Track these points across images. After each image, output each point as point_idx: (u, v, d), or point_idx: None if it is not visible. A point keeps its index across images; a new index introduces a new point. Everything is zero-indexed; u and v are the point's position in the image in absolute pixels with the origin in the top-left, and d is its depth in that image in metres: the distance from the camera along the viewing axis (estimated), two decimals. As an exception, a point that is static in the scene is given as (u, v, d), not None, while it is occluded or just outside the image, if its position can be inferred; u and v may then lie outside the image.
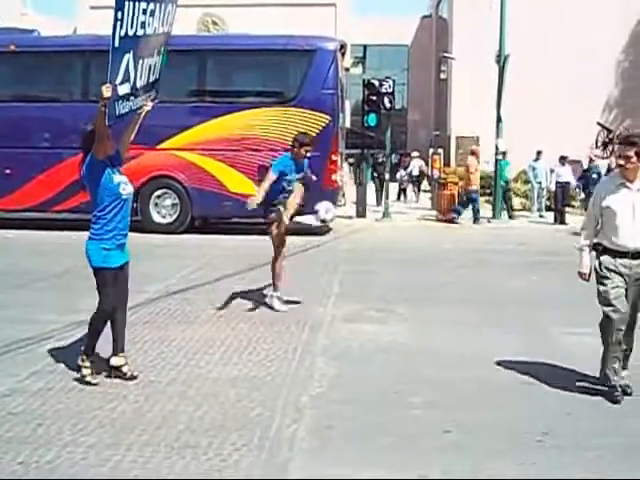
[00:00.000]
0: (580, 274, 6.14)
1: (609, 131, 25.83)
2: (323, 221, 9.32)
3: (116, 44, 5.59)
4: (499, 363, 6.82)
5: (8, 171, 15.58)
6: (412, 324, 8.19)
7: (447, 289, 10.31)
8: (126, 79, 5.89)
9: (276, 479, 4.40)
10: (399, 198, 25.71)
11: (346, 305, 9.12)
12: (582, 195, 20.97)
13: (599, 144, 25.65)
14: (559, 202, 19.90)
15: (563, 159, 20.34)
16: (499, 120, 19.40)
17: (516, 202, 22.01)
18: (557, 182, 20.17)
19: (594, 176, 19.08)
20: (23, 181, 15.63)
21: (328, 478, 4.29)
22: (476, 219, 18.94)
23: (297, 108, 15.54)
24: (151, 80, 6.49)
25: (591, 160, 20.91)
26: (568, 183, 20.35)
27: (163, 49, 6.65)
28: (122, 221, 5.97)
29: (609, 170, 15.12)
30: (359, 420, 5.44)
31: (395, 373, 6.52)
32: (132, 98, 6.10)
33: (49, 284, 9.69)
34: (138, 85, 6.17)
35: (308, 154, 8.78)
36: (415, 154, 26.98)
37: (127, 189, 5.99)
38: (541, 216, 20.80)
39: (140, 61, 6.10)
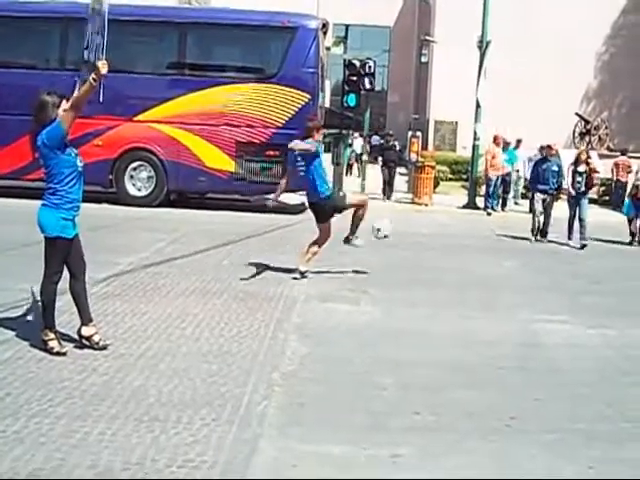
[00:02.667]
0: None
1: (587, 122, 26.03)
2: (385, 236, 10.03)
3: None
4: (471, 346, 6.88)
5: (-19, 138, 15.34)
6: (385, 305, 8.22)
7: (422, 271, 10.36)
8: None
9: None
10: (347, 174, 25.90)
11: (320, 284, 9.13)
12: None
13: (577, 134, 25.87)
14: None
15: (543, 149, 20.24)
16: (478, 105, 19.43)
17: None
18: None
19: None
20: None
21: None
22: (486, 206, 19.10)
23: (277, 85, 15.46)
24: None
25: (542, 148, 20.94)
26: None
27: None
28: (79, 193, 5.95)
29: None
30: (329, 398, 5.46)
31: (367, 353, 6.55)
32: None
33: (20, 253, 9.58)
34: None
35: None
36: (357, 134, 28.07)
37: (80, 161, 5.96)
38: (516, 203, 20.90)
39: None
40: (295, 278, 9.18)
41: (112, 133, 15.30)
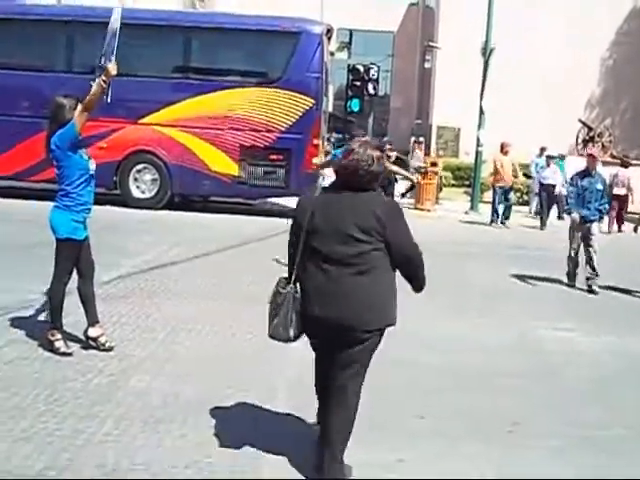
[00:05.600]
0: None
1: (590, 129, 26.04)
2: None
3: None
4: (474, 352, 6.92)
5: (-12, 138, 15.40)
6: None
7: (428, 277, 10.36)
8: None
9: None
10: None
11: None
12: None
13: (580, 141, 25.88)
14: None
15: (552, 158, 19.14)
16: (481, 112, 19.46)
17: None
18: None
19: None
20: (2, 149, 15.45)
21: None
22: (494, 219, 17.79)
23: (281, 89, 15.50)
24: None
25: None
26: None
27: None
28: (90, 196, 6.03)
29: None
30: (333, 402, 5.48)
31: (372, 358, 6.56)
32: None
33: (29, 253, 9.63)
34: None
35: None
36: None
37: (93, 164, 6.03)
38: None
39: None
40: None
41: (117, 135, 15.34)
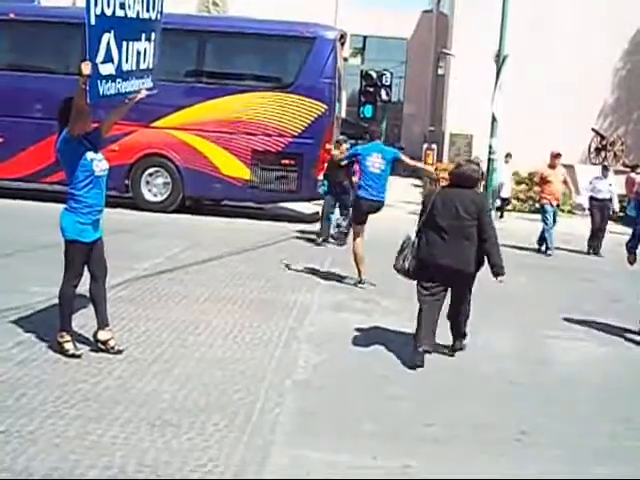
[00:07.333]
0: None
1: (602, 137, 25.95)
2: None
3: (92, 22, 5.62)
4: (484, 360, 6.89)
5: (1, 140, 15.47)
6: (398, 316, 8.21)
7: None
8: (108, 59, 5.90)
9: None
10: None
11: (333, 294, 9.15)
12: None
13: (592, 150, 25.80)
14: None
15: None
16: (494, 120, 19.41)
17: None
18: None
19: None
20: (16, 150, 15.50)
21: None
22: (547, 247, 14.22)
23: (294, 95, 15.49)
24: (142, 67, 6.52)
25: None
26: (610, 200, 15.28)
27: (154, 37, 6.68)
28: (98, 198, 6.00)
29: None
30: (341, 407, 5.49)
31: (379, 363, 6.57)
32: (119, 81, 6.12)
33: (37, 255, 9.66)
34: (125, 68, 6.20)
35: None
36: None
37: (101, 166, 5.99)
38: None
39: (124, 43, 6.14)
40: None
41: (129, 139, 15.35)
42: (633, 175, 19.31)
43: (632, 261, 8.41)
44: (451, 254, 6.46)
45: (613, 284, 11.44)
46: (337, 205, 13.10)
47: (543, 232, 14.27)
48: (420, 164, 10.24)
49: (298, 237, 13.50)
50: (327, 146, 15.23)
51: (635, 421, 5.72)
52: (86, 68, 5.52)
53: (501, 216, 19.02)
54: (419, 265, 6.63)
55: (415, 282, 6.77)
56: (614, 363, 7.30)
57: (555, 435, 5.28)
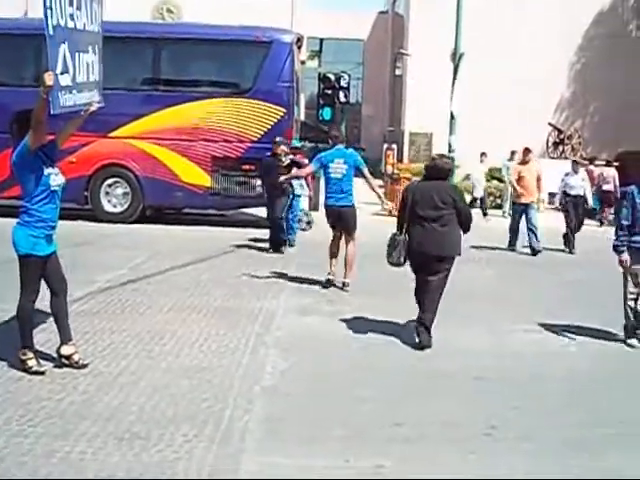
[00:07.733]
0: None
1: (560, 131, 26.28)
2: None
3: (50, 32, 5.66)
4: (450, 356, 6.92)
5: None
6: (363, 317, 8.22)
7: (404, 282, 10.36)
8: (65, 70, 5.92)
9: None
10: None
11: (299, 298, 9.13)
12: None
13: (550, 144, 26.11)
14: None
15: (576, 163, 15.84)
16: (452, 117, 19.55)
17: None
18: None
19: None
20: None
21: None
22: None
23: (252, 100, 15.44)
24: (91, 79, 6.51)
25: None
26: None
27: (98, 50, 6.68)
28: (52, 212, 5.89)
29: None
30: (311, 412, 5.47)
31: (347, 366, 6.57)
32: (75, 92, 6.12)
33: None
34: (78, 80, 6.21)
35: None
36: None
37: (57, 180, 5.90)
38: (509, 215, 19.75)
39: (76, 55, 6.17)
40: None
41: (87, 150, 15.17)
42: (591, 167, 19.63)
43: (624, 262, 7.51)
44: (434, 241, 7.14)
45: (579, 276, 11.58)
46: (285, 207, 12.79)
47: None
48: (376, 188, 10.15)
49: (261, 243, 13.40)
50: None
51: (601, 411, 5.78)
52: (49, 79, 5.46)
53: (485, 214, 19.09)
54: (409, 256, 7.37)
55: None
56: (581, 357, 7.36)
57: (525, 428, 5.31)
